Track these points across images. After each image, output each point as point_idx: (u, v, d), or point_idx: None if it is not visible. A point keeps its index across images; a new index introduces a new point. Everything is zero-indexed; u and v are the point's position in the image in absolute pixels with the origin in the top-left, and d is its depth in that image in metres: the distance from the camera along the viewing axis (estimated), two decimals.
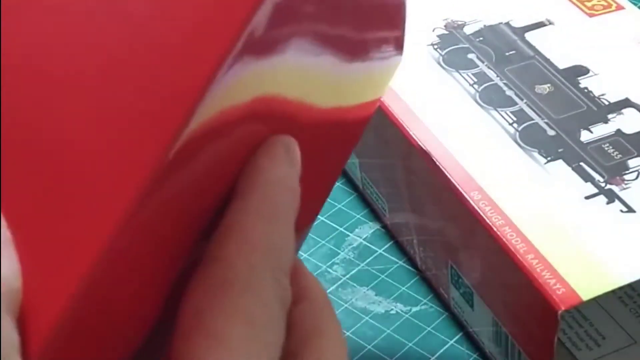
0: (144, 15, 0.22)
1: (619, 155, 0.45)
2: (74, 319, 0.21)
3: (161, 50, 0.22)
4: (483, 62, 0.50)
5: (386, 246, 0.51)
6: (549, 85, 0.49)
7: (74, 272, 0.21)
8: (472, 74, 0.50)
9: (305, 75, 0.28)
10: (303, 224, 0.28)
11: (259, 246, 0.25)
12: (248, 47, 0.23)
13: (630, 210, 0.42)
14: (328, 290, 0.49)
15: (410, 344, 0.47)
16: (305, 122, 0.29)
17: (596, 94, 0.48)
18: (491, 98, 0.48)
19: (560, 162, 0.44)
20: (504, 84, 0.49)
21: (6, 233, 0.21)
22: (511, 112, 0.47)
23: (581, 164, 0.44)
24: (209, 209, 0.26)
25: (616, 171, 0.44)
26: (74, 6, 0.22)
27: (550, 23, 0.53)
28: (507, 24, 0.53)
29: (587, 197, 0.43)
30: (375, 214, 0.53)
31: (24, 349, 0.21)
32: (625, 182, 0.44)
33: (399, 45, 0.34)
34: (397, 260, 0.51)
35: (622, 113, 0.47)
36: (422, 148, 0.45)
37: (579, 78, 0.49)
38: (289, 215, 0.27)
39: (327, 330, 0.28)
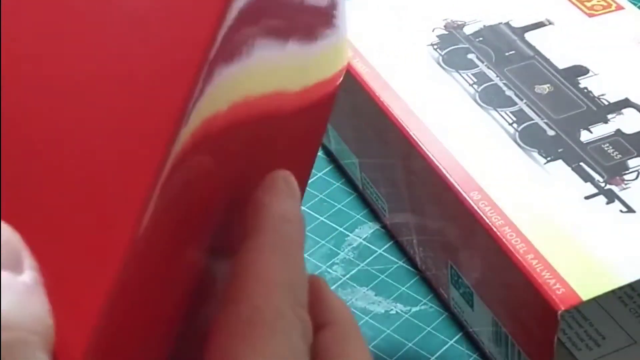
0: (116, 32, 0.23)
1: (619, 155, 0.45)
2: (99, 347, 0.22)
3: (136, 73, 0.23)
4: (483, 62, 0.50)
5: (386, 246, 0.51)
6: (548, 85, 0.49)
7: (92, 304, 0.22)
8: (472, 74, 0.50)
9: (275, 68, 0.29)
10: None
11: (277, 284, 0.26)
12: (219, 56, 0.24)
13: (630, 210, 0.42)
14: None
15: (410, 344, 0.47)
16: (283, 111, 0.30)
17: (596, 94, 0.48)
18: (491, 98, 0.48)
19: (560, 162, 0.44)
20: (504, 84, 0.49)
21: (38, 274, 0.22)
22: (511, 112, 0.47)
23: (581, 164, 0.44)
24: (212, 226, 0.27)
25: (616, 171, 0.44)
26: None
27: (550, 23, 0.53)
28: (507, 24, 0.53)
29: (587, 197, 0.43)
30: (375, 214, 0.53)
31: None
32: (625, 182, 0.44)
33: (335, 20, 0.35)
34: (397, 260, 0.51)
35: (622, 113, 0.47)
36: (422, 148, 0.45)
37: (578, 78, 0.49)
38: (298, 248, 0.28)
39: (353, 355, 0.29)
